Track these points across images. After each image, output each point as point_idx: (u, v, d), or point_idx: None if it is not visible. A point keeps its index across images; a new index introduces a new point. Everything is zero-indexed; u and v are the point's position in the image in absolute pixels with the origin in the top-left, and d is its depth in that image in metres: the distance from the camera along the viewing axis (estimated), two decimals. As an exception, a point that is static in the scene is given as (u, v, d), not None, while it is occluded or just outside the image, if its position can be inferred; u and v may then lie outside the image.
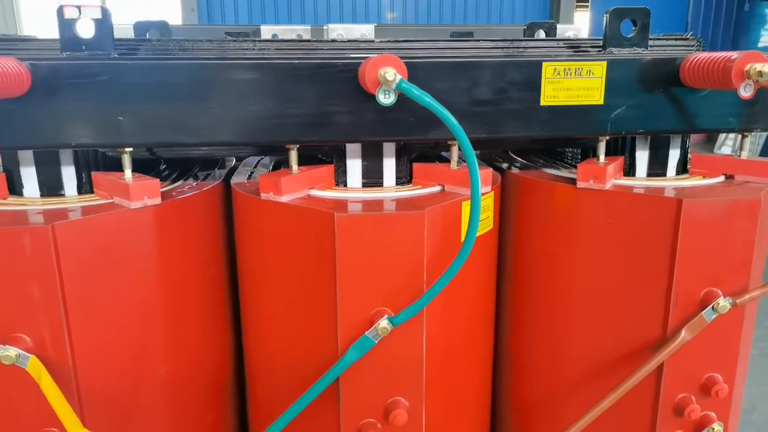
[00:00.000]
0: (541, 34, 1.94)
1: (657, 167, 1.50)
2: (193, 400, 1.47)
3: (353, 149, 1.40)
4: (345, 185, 1.42)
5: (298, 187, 1.33)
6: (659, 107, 1.36)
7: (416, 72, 1.23)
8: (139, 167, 1.36)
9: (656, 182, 1.46)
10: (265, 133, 1.27)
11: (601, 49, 1.44)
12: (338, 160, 1.41)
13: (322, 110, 1.25)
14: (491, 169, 1.42)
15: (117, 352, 1.28)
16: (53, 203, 1.29)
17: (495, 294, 1.60)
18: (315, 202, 1.30)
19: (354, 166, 1.41)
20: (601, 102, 1.34)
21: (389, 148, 1.41)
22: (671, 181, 1.47)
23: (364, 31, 1.92)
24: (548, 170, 1.59)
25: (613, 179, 1.44)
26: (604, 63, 1.32)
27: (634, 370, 1.35)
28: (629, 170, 1.51)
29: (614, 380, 1.38)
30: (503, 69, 1.29)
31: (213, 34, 1.94)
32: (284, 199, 1.29)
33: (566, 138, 1.65)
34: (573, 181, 1.42)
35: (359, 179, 1.42)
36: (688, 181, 1.46)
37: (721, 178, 1.48)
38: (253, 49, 1.38)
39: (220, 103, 1.22)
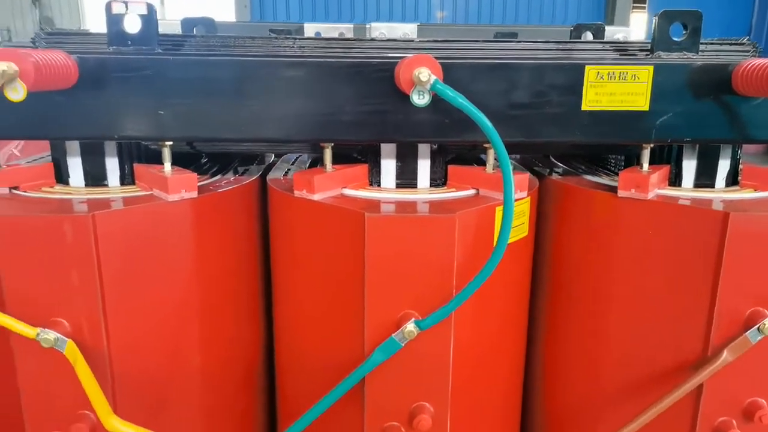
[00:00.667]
0: (589, 36, 1.88)
1: (705, 178, 1.44)
2: (224, 391, 1.49)
3: (388, 149, 1.39)
4: (379, 185, 1.41)
5: (331, 185, 1.33)
6: (708, 115, 1.30)
7: (453, 73, 1.22)
8: (181, 161, 1.40)
9: (703, 194, 1.40)
10: (300, 131, 1.28)
11: (649, 53, 1.38)
12: (372, 159, 1.41)
13: (358, 109, 1.25)
14: (528, 174, 1.39)
15: (152, 341, 1.31)
16: (96, 193, 1.33)
17: (529, 301, 1.56)
18: (347, 201, 1.30)
19: (388, 167, 1.40)
20: (647, 108, 1.29)
21: (424, 149, 1.40)
22: (719, 193, 1.40)
23: (407, 30, 1.90)
24: (589, 177, 1.55)
25: (657, 189, 1.38)
26: (651, 67, 1.27)
27: (673, 389, 1.30)
28: (675, 180, 1.45)
29: (651, 397, 1.32)
30: (543, 71, 1.26)
31: (258, 31, 1.97)
32: (317, 197, 1.29)
33: (609, 144, 1.59)
34: (614, 190, 1.37)
35: (393, 180, 1.41)
36: (737, 194, 1.39)
37: (774, 191, 1.40)
38: (293, 47, 1.39)
39: (257, 100, 1.24)
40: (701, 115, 1.30)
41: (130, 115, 1.24)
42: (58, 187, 1.37)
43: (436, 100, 1.15)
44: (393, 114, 1.24)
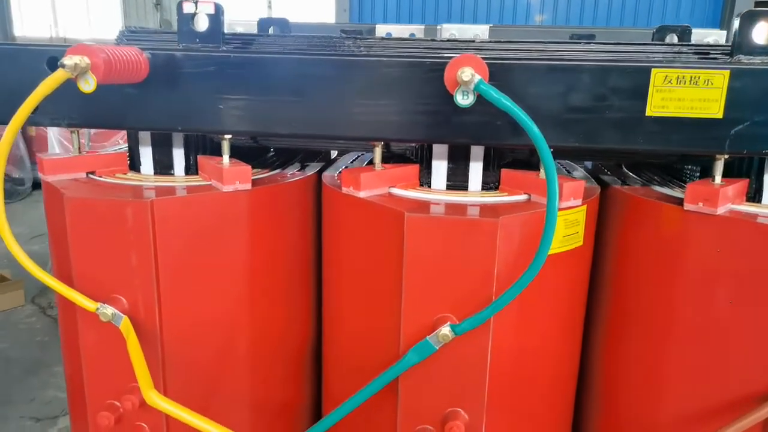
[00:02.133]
0: (673, 39, 1.76)
1: (789, 195, 1.30)
2: (273, 382, 1.54)
3: (439, 150, 1.37)
4: (429, 186, 1.40)
5: (379, 184, 1.34)
6: (793, 125, 1.18)
7: (507, 74, 1.19)
8: (248, 154, 1.45)
9: (786, 212, 1.27)
10: (351, 128, 1.29)
11: (729, 56, 1.27)
12: (424, 160, 1.40)
13: (408, 109, 1.24)
14: (584, 181, 1.33)
15: (204, 326, 1.38)
16: (162, 181, 1.42)
17: (584, 315, 1.49)
18: (392, 200, 1.30)
19: (439, 168, 1.39)
20: (720, 116, 1.19)
21: (477, 151, 1.37)
22: (805, 212, 1.26)
23: (478, 31, 1.88)
24: (659, 188, 1.45)
25: (731, 204, 1.27)
26: (727, 72, 1.17)
27: (736, 421, 1.19)
28: (755, 196, 1.33)
29: (714, 428, 1.22)
30: (603, 74, 1.19)
31: (331, 31, 2.01)
32: (362, 194, 1.30)
33: (680, 154, 1.48)
34: (682, 202, 1.27)
35: (443, 181, 1.39)
36: (827, 214, 1.25)
37: None
38: (352, 46, 1.41)
39: (310, 97, 1.26)
40: (785, 125, 1.18)
41: (193, 108, 1.31)
42: (131, 174, 1.47)
43: (485, 102, 1.12)
44: (442, 115, 1.23)
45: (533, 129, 1.06)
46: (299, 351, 1.59)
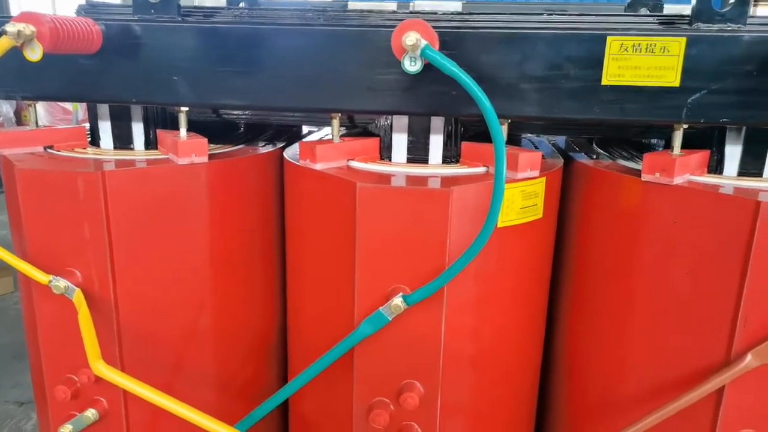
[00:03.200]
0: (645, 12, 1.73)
1: (750, 166, 1.29)
2: (238, 357, 1.53)
3: (399, 123, 1.36)
4: (390, 160, 1.39)
5: (336, 156, 1.32)
6: (752, 94, 1.16)
7: (460, 43, 1.17)
8: (217, 132, 1.44)
9: (746, 182, 1.25)
10: (306, 99, 1.28)
11: (689, 25, 1.25)
12: (383, 133, 1.38)
13: (362, 79, 1.23)
14: (540, 153, 1.31)
15: (162, 300, 1.37)
16: (121, 155, 1.41)
17: (548, 289, 1.48)
18: (348, 172, 1.29)
19: (399, 141, 1.37)
20: (677, 84, 1.17)
21: (437, 124, 1.36)
22: (765, 183, 1.25)
23: (451, 7, 1.85)
24: (624, 162, 1.43)
25: (689, 174, 1.26)
26: (683, 39, 1.15)
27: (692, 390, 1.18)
28: (717, 167, 1.31)
29: (673, 399, 1.21)
30: (558, 42, 1.18)
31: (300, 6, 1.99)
32: (318, 166, 1.29)
33: (635, 124, 1.45)
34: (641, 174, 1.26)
35: (404, 155, 1.38)
36: (786, 184, 1.23)
37: (832, 184, 1.23)
38: (311, 18, 1.39)
39: (263, 68, 1.25)
40: (743, 93, 1.16)
41: (148, 80, 1.29)
42: (90, 149, 1.46)
43: (438, 72, 1.10)
44: (396, 84, 1.21)
45: (478, 94, 1.04)
46: (264, 329, 1.59)
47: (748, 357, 1.12)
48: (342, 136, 1.40)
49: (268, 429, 1.71)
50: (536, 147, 1.63)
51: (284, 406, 1.71)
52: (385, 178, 1.24)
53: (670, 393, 1.26)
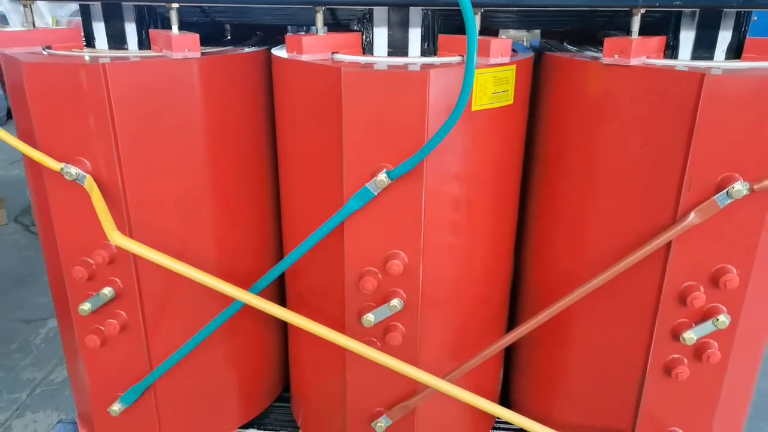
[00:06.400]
0: None
1: (702, 50, 1.40)
2: (238, 244, 1.66)
3: (380, 17, 1.44)
4: (372, 53, 1.48)
5: (321, 49, 1.42)
6: (703, -22, 1.26)
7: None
8: (205, 36, 1.50)
9: (697, 63, 1.37)
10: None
11: None
12: (365, 27, 1.47)
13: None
14: (510, 40, 1.41)
15: (166, 188, 1.47)
16: (117, 54, 1.49)
17: (520, 172, 1.61)
18: (333, 62, 1.38)
19: (379, 34, 1.46)
20: (635, -31, 1.27)
21: (415, 17, 1.44)
22: (714, 64, 1.37)
23: None
24: (590, 53, 1.54)
25: (646, 57, 1.37)
26: (641, -75, 1.24)
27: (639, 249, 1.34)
28: (672, 52, 1.42)
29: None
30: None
31: None
32: (305, 57, 1.38)
33: (594, 7, 1.53)
34: (604, 60, 1.37)
35: (384, 48, 1.47)
36: (733, 64, 1.35)
37: (773, 62, 1.35)
38: None
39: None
40: (695, -23, 1.26)
41: (140, -23, 1.36)
42: (86, 50, 1.53)
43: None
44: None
45: (453, -23, 1.13)
46: (260, 218, 1.71)
47: (692, 215, 1.28)
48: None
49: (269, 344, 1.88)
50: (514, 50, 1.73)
51: (284, 328, 1.86)
52: (368, 65, 1.34)
53: (621, 255, 1.40)
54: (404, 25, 1.45)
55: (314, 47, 1.40)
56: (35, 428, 2.45)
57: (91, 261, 1.46)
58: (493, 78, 1.36)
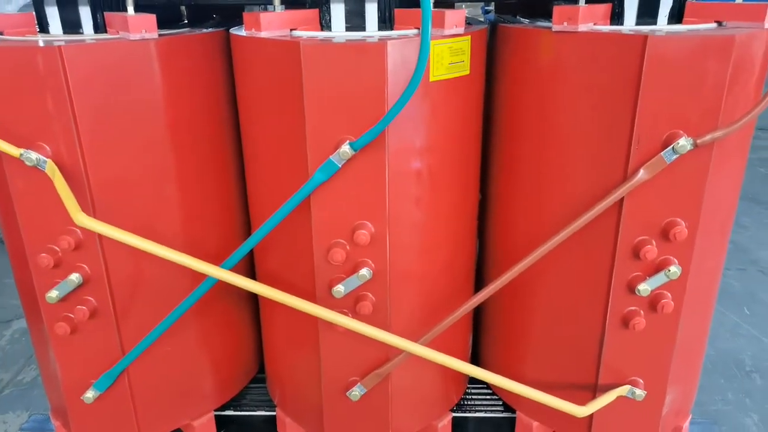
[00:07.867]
0: None
1: (647, 15, 1.47)
2: (202, 217, 1.66)
3: (336, -8, 1.47)
4: (330, 29, 1.50)
5: (280, 25, 1.43)
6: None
7: None
8: (165, 18, 1.49)
9: (641, 27, 1.43)
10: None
11: None
12: (323, 3, 1.49)
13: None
14: (464, 10, 1.45)
15: (129, 170, 1.47)
16: (72, 38, 1.47)
17: (479, 141, 1.65)
18: (291, 37, 1.40)
19: (337, 9, 1.48)
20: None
21: (371, -8, 1.47)
22: (657, 27, 1.43)
23: None
24: (542, 24, 1.59)
25: (593, 24, 1.43)
26: None
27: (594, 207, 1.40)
28: (618, 18, 1.49)
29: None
30: None
31: None
32: (263, 34, 1.40)
33: None
34: (555, 29, 1.42)
35: (342, 23, 1.49)
36: (674, 27, 1.42)
37: (712, 25, 1.43)
38: None
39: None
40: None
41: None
42: (40, 36, 1.51)
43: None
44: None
45: (405, -52, 1.16)
46: (226, 196, 1.72)
47: (641, 172, 1.35)
48: (284, 10, 1.49)
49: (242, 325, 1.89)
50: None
51: (256, 310, 1.88)
52: (327, 40, 1.37)
53: (577, 213, 1.46)
54: (361, 0, 1.48)
55: (272, 24, 1.41)
56: (5, 429, 2.42)
57: (57, 248, 1.46)
58: (449, 49, 1.40)
